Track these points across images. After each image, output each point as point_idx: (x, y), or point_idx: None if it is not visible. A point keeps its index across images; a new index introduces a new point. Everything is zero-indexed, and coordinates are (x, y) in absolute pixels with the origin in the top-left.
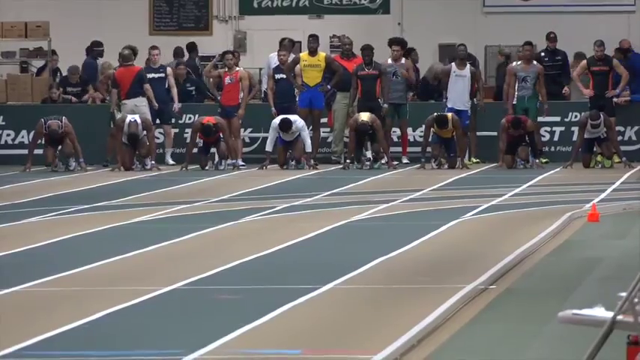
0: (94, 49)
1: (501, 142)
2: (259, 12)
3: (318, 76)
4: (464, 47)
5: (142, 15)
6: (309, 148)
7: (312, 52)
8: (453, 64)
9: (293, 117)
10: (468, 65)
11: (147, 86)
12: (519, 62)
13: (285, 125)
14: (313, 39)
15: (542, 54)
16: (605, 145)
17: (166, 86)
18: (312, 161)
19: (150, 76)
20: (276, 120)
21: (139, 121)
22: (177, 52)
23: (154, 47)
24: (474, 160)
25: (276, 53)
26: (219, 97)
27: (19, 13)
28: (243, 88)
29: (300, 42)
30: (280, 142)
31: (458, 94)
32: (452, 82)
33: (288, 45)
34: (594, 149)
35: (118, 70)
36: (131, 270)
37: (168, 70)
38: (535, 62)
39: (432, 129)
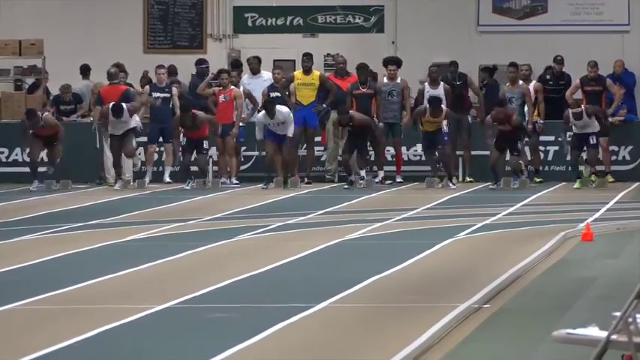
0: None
1: (489, 138)
2: (253, 30)
3: (312, 95)
4: (435, 68)
5: (137, 33)
6: (290, 133)
7: (307, 71)
8: (426, 84)
9: (279, 106)
10: (442, 84)
11: (144, 98)
12: (507, 85)
13: (270, 107)
14: (307, 58)
15: (548, 76)
16: (593, 152)
17: (170, 106)
18: (305, 179)
19: (155, 95)
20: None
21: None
22: (172, 71)
23: (160, 67)
24: (468, 179)
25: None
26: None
27: (13, 31)
28: (237, 107)
29: (294, 60)
30: (269, 135)
31: None
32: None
33: (254, 62)
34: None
35: (104, 87)
36: (124, 288)
37: (174, 90)
38: (521, 82)
39: (422, 121)
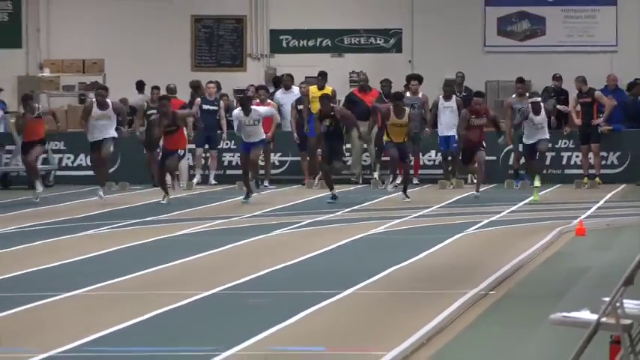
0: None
1: (462, 129)
2: (288, 51)
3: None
4: (449, 88)
5: (185, 53)
6: (262, 137)
7: (320, 87)
8: (440, 96)
9: (256, 106)
10: (454, 97)
11: (193, 111)
12: (514, 96)
13: (246, 104)
14: (322, 75)
15: (553, 95)
16: (539, 162)
17: (217, 117)
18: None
19: (205, 107)
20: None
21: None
22: (217, 86)
23: (210, 82)
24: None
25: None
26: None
27: (77, 51)
28: (274, 119)
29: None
30: (243, 147)
31: (446, 122)
32: (440, 113)
33: (287, 79)
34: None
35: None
36: (175, 277)
37: (222, 103)
38: (527, 95)
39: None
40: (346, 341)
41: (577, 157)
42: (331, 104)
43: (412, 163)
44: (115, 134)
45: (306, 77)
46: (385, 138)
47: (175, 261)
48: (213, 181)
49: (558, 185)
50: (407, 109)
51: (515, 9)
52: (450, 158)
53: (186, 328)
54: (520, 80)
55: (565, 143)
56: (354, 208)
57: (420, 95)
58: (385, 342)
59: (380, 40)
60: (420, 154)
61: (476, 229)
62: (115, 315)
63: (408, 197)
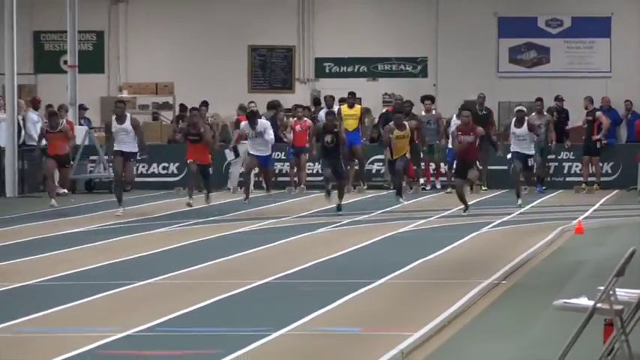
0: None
1: (454, 144)
2: (330, 75)
3: (355, 123)
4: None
5: (243, 77)
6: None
7: (351, 106)
8: (454, 115)
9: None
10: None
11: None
12: (533, 114)
13: (252, 118)
14: (351, 95)
15: (554, 112)
16: (528, 173)
17: None
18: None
19: None
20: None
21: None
22: (271, 106)
23: (251, 102)
24: (483, 188)
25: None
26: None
27: (151, 75)
28: (310, 134)
29: (360, 98)
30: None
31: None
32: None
33: (329, 99)
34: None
35: (239, 116)
36: (234, 268)
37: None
38: (546, 113)
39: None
40: (379, 323)
41: (577, 166)
42: (335, 122)
43: (414, 170)
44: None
45: (340, 98)
46: (387, 155)
47: (234, 254)
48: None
49: (560, 191)
50: (407, 123)
51: (524, 40)
52: None
53: (244, 311)
54: (539, 99)
55: (566, 155)
56: (386, 210)
57: (433, 112)
58: (412, 324)
59: (409, 66)
60: (442, 163)
61: (490, 228)
62: (183, 300)
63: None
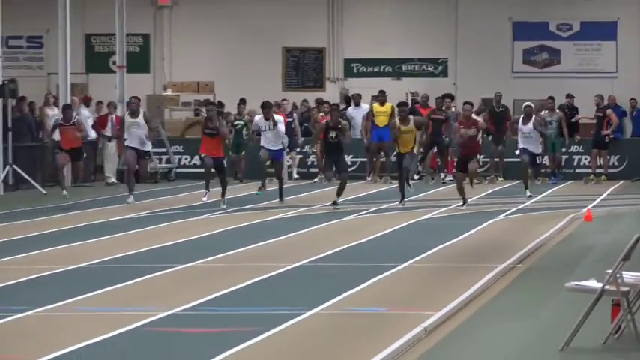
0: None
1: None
2: (358, 75)
3: (386, 120)
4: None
5: (277, 76)
6: (281, 146)
7: (382, 103)
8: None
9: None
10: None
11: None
12: (546, 111)
13: (266, 105)
14: (381, 93)
15: (566, 110)
16: (536, 170)
17: (293, 126)
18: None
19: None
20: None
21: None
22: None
23: (284, 99)
24: (500, 179)
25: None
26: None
27: (193, 74)
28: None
29: (386, 95)
30: (265, 150)
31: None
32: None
33: (357, 97)
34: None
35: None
36: (270, 252)
37: (295, 115)
38: (557, 110)
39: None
40: (403, 303)
41: (586, 159)
42: (339, 119)
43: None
44: (148, 147)
45: (372, 96)
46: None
47: (270, 239)
48: (296, 176)
49: (570, 182)
50: (411, 118)
51: (537, 43)
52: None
53: (279, 292)
54: (550, 97)
55: (576, 148)
56: (410, 199)
57: (453, 109)
58: (434, 304)
59: (431, 66)
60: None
61: (505, 216)
62: (223, 281)
63: (410, 186)
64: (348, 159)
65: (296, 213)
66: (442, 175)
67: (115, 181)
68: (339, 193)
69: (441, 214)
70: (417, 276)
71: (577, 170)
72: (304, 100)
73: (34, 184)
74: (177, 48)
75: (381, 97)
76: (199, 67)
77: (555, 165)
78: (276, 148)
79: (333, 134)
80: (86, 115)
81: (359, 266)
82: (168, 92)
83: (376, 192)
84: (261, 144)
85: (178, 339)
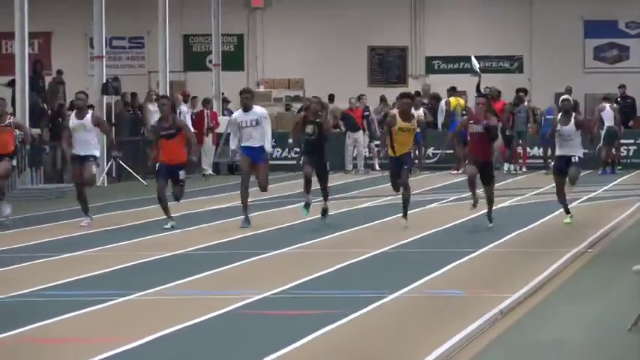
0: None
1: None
2: (439, 72)
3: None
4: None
5: (363, 73)
6: (267, 145)
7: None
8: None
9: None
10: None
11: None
12: (608, 104)
13: (246, 90)
14: (453, 89)
15: (619, 99)
16: (575, 170)
17: (370, 119)
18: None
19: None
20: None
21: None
22: (382, 99)
23: (362, 94)
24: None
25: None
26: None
27: (284, 72)
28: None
29: (465, 91)
30: (243, 151)
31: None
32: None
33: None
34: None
35: (346, 109)
36: (355, 239)
37: (371, 109)
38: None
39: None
40: (480, 286)
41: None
42: (319, 112)
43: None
44: (96, 153)
45: (447, 91)
46: (390, 152)
47: (356, 227)
48: (377, 168)
49: (638, 171)
50: (416, 114)
51: (607, 40)
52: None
53: (363, 276)
54: (622, 86)
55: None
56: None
57: (526, 103)
58: (510, 287)
59: (506, 63)
60: (527, 148)
61: (577, 203)
62: (311, 267)
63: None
64: (430, 150)
65: (380, 202)
66: (505, 167)
67: (212, 172)
68: (324, 198)
69: (516, 202)
70: (493, 261)
71: None
72: (382, 98)
73: (136, 176)
74: (269, 47)
75: (455, 93)
76: (290, 65)
77: (614, 157)
78: (258, 145)
79: (309, 129)
80: (184, 111)
81: (438, 252)
82: (261, 89)
83: (455, 182)
84: (234, 146)
85: (270, 321)
